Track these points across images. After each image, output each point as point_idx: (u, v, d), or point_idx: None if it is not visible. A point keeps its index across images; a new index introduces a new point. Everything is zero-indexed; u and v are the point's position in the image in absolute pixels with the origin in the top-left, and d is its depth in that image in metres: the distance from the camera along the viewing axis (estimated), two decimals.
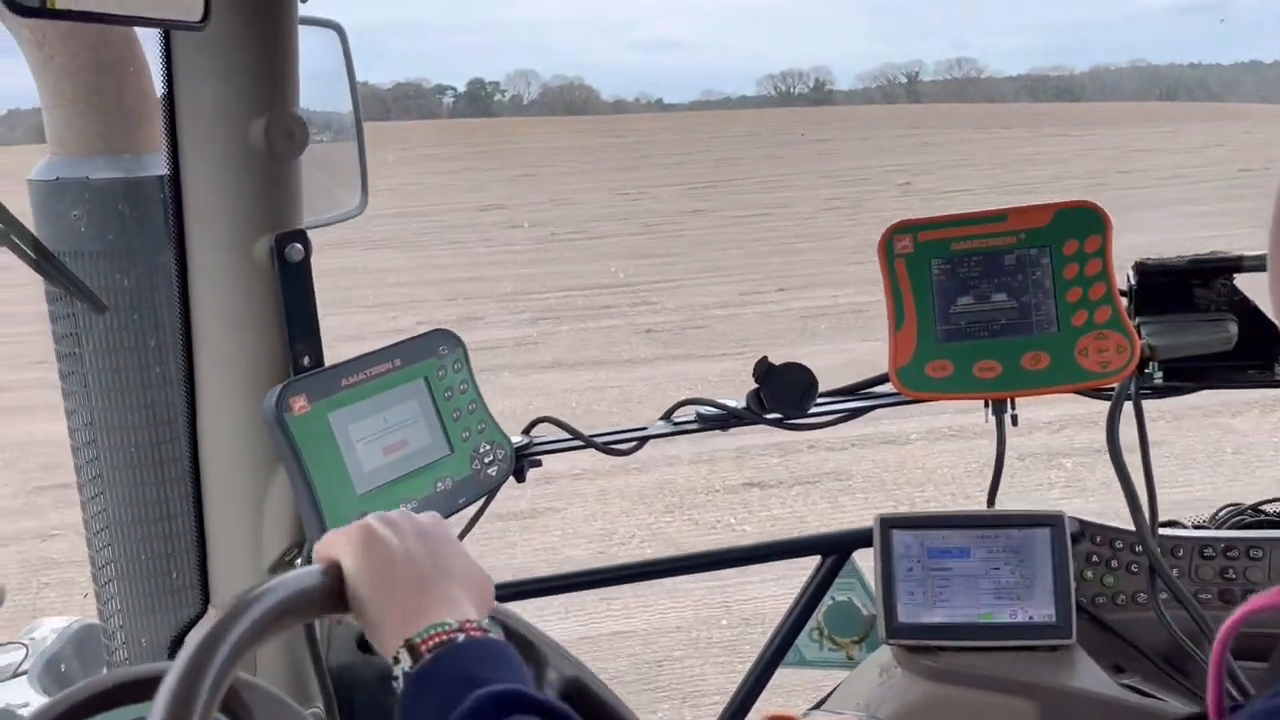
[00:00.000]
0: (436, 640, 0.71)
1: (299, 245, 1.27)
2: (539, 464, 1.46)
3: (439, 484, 1.31)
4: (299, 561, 1.31)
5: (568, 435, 1.45)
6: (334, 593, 0.76)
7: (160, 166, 1.38)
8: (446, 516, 1.33)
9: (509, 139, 28.22)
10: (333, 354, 1.31)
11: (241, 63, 1.19)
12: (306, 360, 1.30)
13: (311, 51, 1.36)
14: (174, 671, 0.66)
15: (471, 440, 1.35)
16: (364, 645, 1.40)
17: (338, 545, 0.79)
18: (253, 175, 1.24)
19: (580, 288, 10.61)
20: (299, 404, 1.21)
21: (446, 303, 10.39)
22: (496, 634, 0.73)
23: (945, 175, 17.74)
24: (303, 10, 1.25)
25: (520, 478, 1.42)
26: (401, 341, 1.32)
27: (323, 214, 1.50)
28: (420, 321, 9.06)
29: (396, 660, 0.71)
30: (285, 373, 1.29)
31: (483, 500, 1.39)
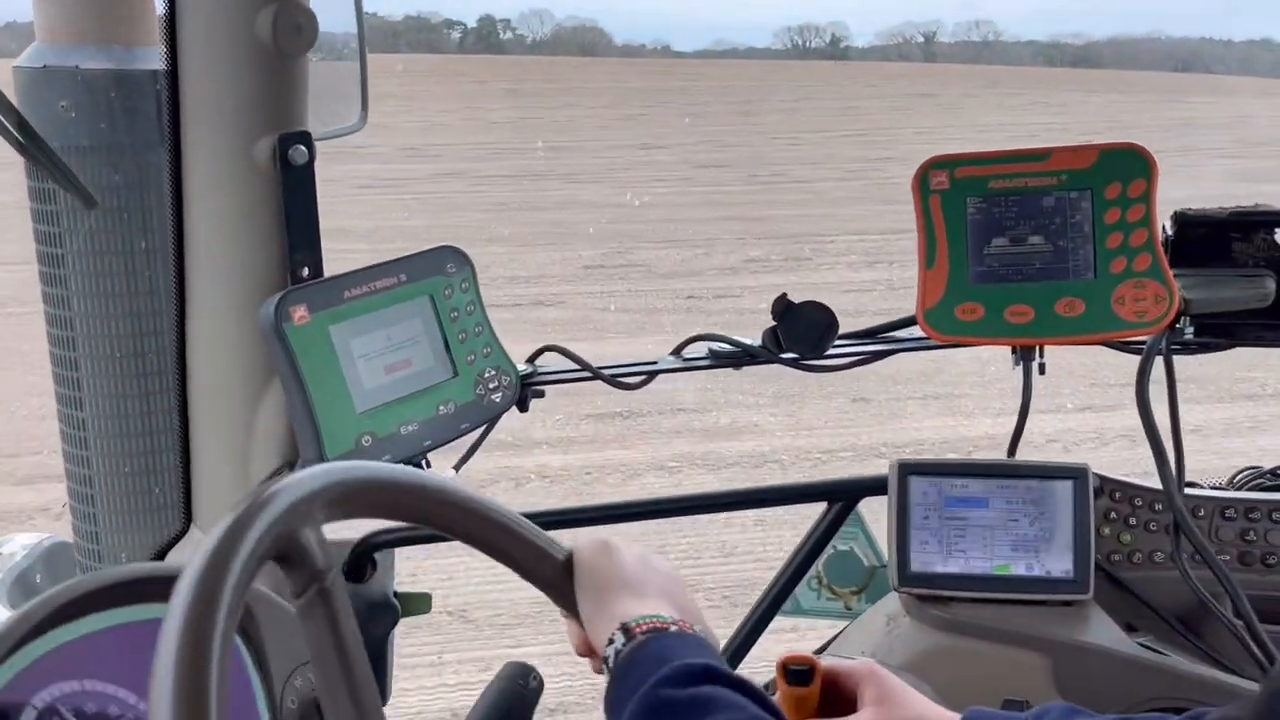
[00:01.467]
0: (650, 626, 0.77)
1: (303, 148, 1.20)
2: (542, 394, 1.40)
3: (441, 407, 1.25)
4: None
5: (574, 366, 1.39)
6: (564, 580, 0.84)
7: (155, 61, 1.30)
8: (446, 441, 1.29)
9: (570, 78, 27.53)
10: None
11: None
12: (306, 272, 1.23)
13: None
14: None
15: (476, 364, 1.29)
16: (350, 574, 1.35)
17: (582, 545, 0.86)
18: (256, 71, 1.16)
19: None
20: (299, 314, 1.14)
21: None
22: (706, 635, 0.80)
23: None
24: None
25: (523, 407, 1.37)
26: (408, 256, 1.26)
27: (320, 127, 1.43)
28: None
29: (610, 641, 0.78)
30: (283, 283, 1.22)
31: (484, 427, 1.34)
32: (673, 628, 0.78)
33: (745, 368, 1.43)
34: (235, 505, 0.64)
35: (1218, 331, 1.30)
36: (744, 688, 0.73)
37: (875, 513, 1.41)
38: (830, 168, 14.28)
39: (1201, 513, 1.28)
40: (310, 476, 0.67)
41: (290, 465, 1.27)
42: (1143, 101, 22.80)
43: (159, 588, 0.78)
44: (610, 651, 0.77)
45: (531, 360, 1.40)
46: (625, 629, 0.78)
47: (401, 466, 0.77)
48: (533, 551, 0.82)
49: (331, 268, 1.26)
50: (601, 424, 5.47)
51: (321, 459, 1.14)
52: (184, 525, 1.33)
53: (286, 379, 1.15)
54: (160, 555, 1.33)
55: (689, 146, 15.76)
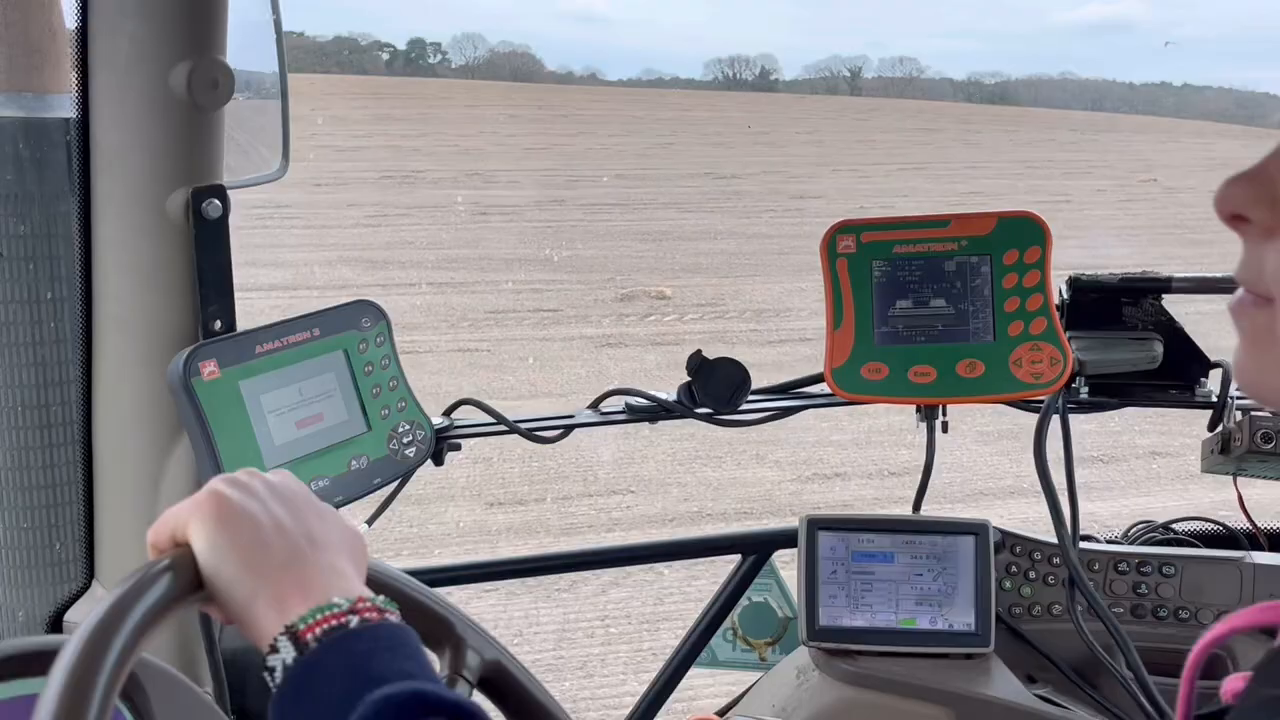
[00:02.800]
0: (325, 625, 0.59)
1: (217, 201, 1.20)
2: (458, 447, 1.40)
3: (353, 462, 1.25)
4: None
5: (490, 419, 1.40)
6: (190, 585, 0.63)
7: (65, 109, 1.29)
8: (359, 497, 1.28)
9: (571, 105, 27.58)
10: None
11: (165, 2, 1.11)
12: (219, 324, 1.22)
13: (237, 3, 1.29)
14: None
15: (390, 419, 1.29)
16: None
17: (185, 521, 0.65)
18: (170, 124, 1.16)
19: None
20: (208, 369, 1.13)
21: None
22: (393, 613, 0.61)
23: None
24: None
25: (439, 461, 1.37)
26: (322, 310, 1.25)
27: (240, 174, 1.43)
28: None
29: (274, 649, 0.59)
30: (194, 336, 1.21)
31: (397, 482, 1.33)
32: (353, 620, 0.59)
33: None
34: (123, 579, 0.64)
35: (1111, 392, 1.35)
36: (467, 717, 0.57)
37: (790, 563, 1.44)
38: None
39: (1097, 566, 1.33)
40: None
41: None
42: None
43: (45, 662, 0.77)
44: (277, 664, 0.59)
45: (447, 413, 1.41)
46: (293, 635, 0.59)
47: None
48: (151, 605, 0.61)
49: None
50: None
51: None
52: (85, 581, 1.30)
53: (194, 434, 1.14)
54: (60, 612, 1.30)
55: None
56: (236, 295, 1.24)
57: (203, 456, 1.14)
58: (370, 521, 1.36)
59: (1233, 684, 0.52)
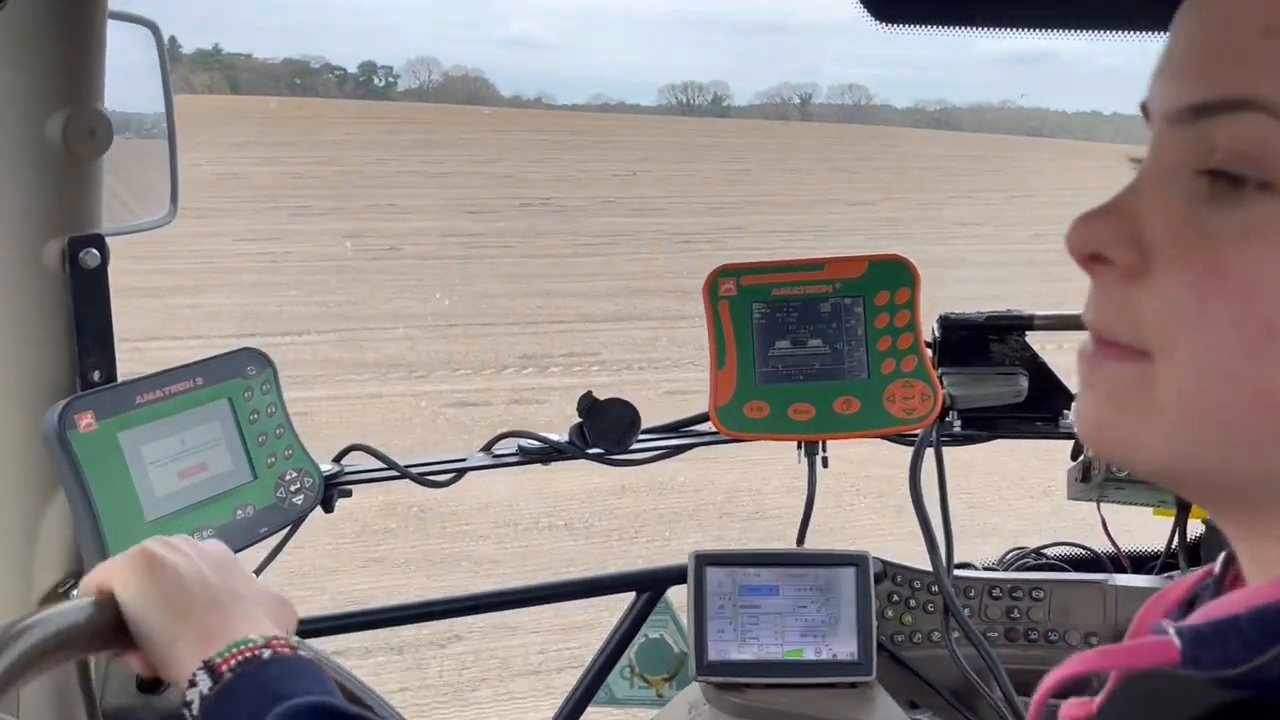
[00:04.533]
0: (240, 657, 0.64)
1: (95, 251, 1.19)
2: (349, 494, 1.40)
3: (239, 511, 1.24)
4: (75, 593, 1.21)
5: (381, 465, 1.40)
6: (109, 625, 0.68)
7: None
8: (245, 546, 1.27)
9: (617, 132, 27.21)
10: None
11: (41, 49, 1.10)
12: (98, 376, 1.21)
13: (123, 48, 1.28)
14: None
15: (277, 466, 1.28)
16: (145, 686, 1.30)
17: (112, 573, 0.71)
18: (46, 174, 1.15)
19: None
20: (85, 421, 1.12)
21: None
22: (306, 650, 0.67)
23: None
24: (113, 5, 1.17)
25: (328, 508, 1.36)
26: (206, 359, 1.25)
27: (126, 220, 1.41)
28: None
29: (192, 684, 0.64)
30: (72, 388, 1.19)
31: (286, 530, 1.32)
32: (266, 652, 0.65)
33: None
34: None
35: (981, 425, 1.42)
36: None
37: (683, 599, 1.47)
38: None
39: (972, 593, 1.39)
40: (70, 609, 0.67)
41: (77, 576, 1.22)
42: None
43: None
44: (194, 696, 0.64)
45: (338, 459, 1.40)
46: (210, 669, 0.64)
47: None
48: (59, 630, 0.66)
49: None
50: None
51: None
52: None
53: (70, 488, 1.12)
54: None
55: None
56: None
57: (79, 511, 1.12)
58: (259, 571, 1.35)
59: (1069, 710, 0.54)
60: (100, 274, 1.20)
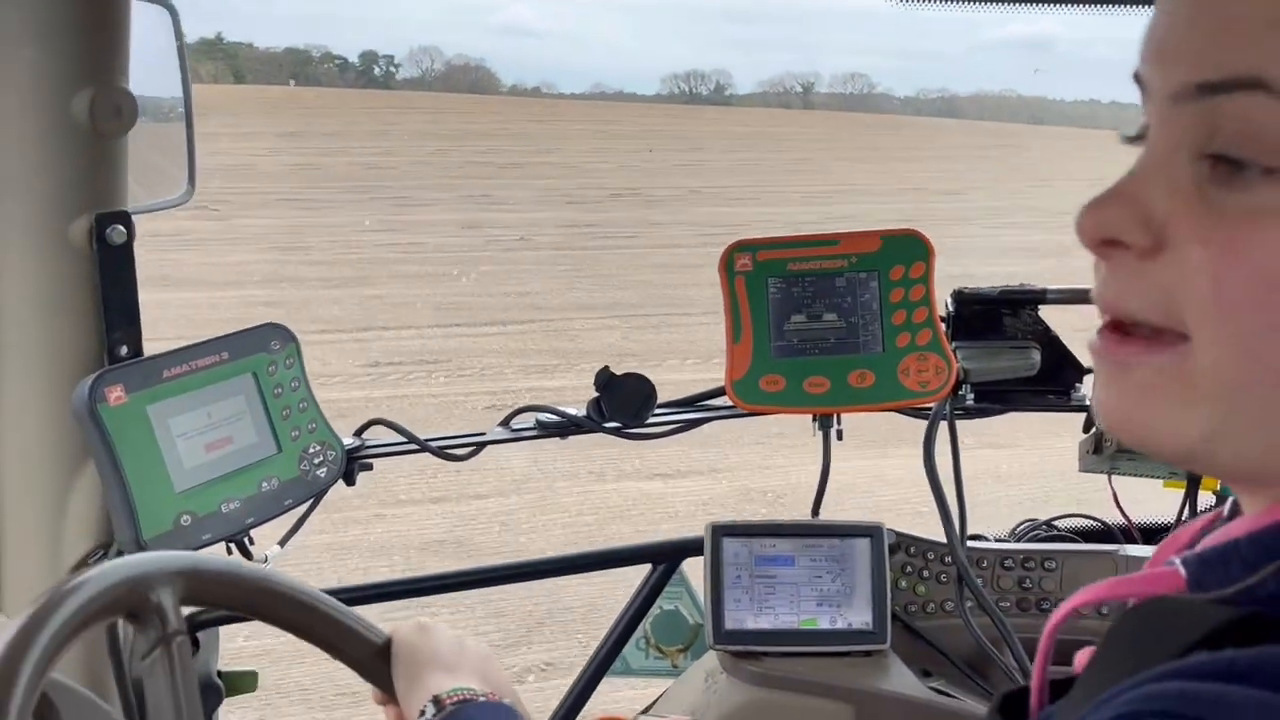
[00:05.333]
0: (460, 698, 0.82)
1: (121, 227, 1.21)
2: (370, 467, 1.42)
3: (264, 484, 1.26)
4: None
5: (402, 438, 1.42)
6: (383, 655, 0.89)
7: None
8: (270, 518, 1.29)
9: (677, 121, 27.09)
10: None
11: (67, 28, 1.12)
12: (124, 350, 1.23)
13: (142, 30, 1.29)
14: None
15: (301, 440, 1.30)
16: None
17: (397, 627, 0.91)
18: (73, 151, 1.17)
19: None
20: (115, 394, 1.14)
21: None
22: (518, 708, 0.85)
23: None
24: None
25: (350, 481, 1.38)
26: (230, 334, 1.27)
27: (146, 200, 1.43)
28: None
29: (422, 714, 0.82)
30: (100, 363, 1.21)
31: (310, 502, 1.34)
32: (481, 698, 0.83)
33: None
34: (35, 598, 0.65)
35: (994, 398, 1.43)
36: None
37: (699, 571, 1.49)
38: None
39: (985, 564, 1.40)
40: (135, 562, 0.69)
41: (105, 548, 1.25)
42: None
43: None
44: None
45: (358, 433, 1.42)
46: (436, 700, 0.82)
47: (241, 561, 0.82)
48: (352, 637, 0.87)
49: None
50: None
51: (137, 541, 1.13)
52: None
53: (101, 461, 1.14)
54: None
55: None
56: None
57: (110, 482, 1.14)
58: (283, 542, 1.37)
59: (1082, 656, 0.56)
60: (126, 250, 1.22)
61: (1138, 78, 0.47)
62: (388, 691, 0.89)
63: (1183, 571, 0.47)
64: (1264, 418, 0.43)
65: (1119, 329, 0.46)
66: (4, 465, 1.23)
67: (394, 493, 5.04)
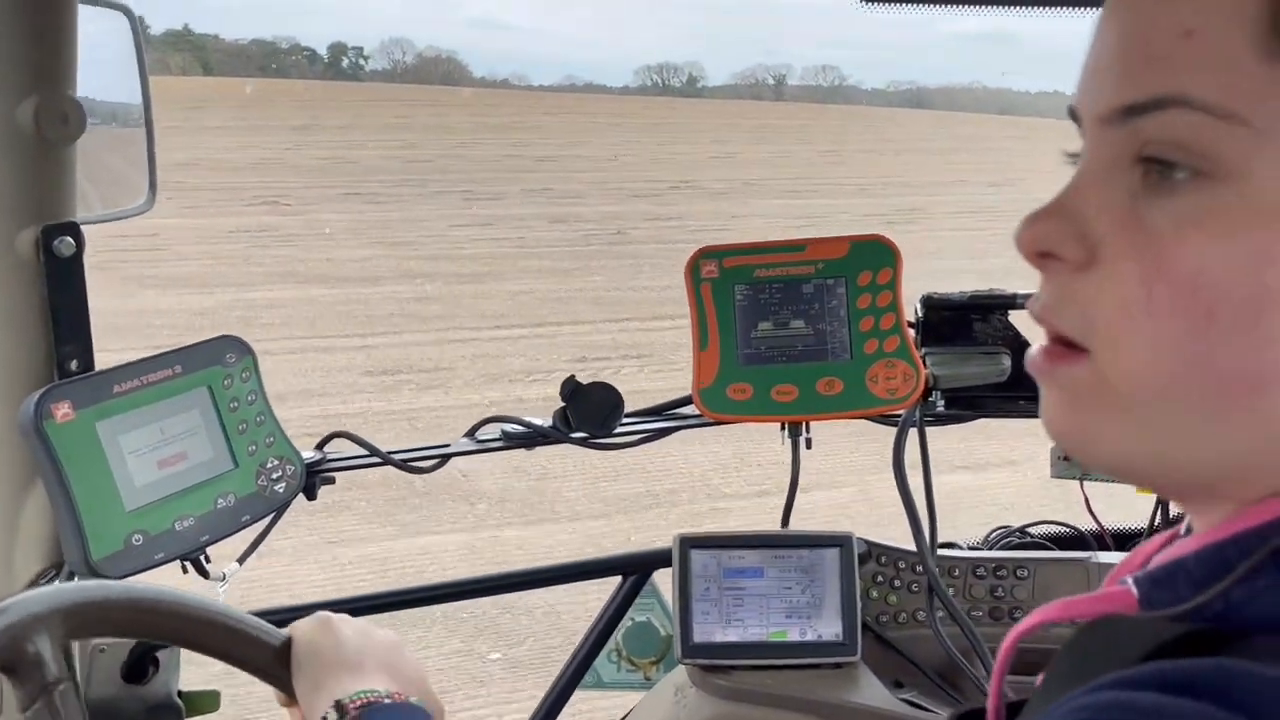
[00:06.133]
0: (364, 702, 0.78)
1: (70, 239, 1.18)
2: (332, 480, 1.39)
3: (220, 500, 1.23)
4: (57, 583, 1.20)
5: (364, 451, 1.39)
6: (283, 657, 0.84)
7: None
8: (227, 535, 1.26)
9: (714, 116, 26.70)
10: None
11: (9, 35, 1.09)
12: (74, 365, 1.20)
13: (100, 35, 1.27)
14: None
15: (258, 454, 1.27)
16: (129, 675, 1.30)
17: (297, 625, 0.87)
18: (18, 161, 1.14)
19: None
20: (62, 411, 1.11)
21: None
22: (429, 706, 0.81)
23: None
24: None
25: (311, 495, 1.36)
26: (184, 347, 1.24)
27: (104, 208, 1.40)
28: None
29: (324, 718, 0.78)
30: (49, 378, 1.18)
31: (270, 518, 1.32)
32: (386, 700, 0.79)
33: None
34: None
35: (965, 404, 1.42)
36: None
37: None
38: None
39: (957, 572, 1.39)
40: (32, 599, 0.66)
41: (57, 568, 1.22)
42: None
43: None
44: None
45: (320, 447, 1.40)
46: (339, 706, 0.78)
47: (112, 583, 0.78)
48: (248, 641, 0.83)
49: None
50: None
51: (86, 561, 1.11)
52: None
53: (49, 479, 1.11)
54: None
55: None
56: None
57: (58, 502, 1.11)
58: (242, 560, 1.34)
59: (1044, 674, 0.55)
60: (76, 262, 1.19)
61: (1071, 110, 0.48)
62: (291, 695, 0.85)
63: (1134, 591, 0.48)
64: (1193, 429, 0.44)
65: (1051, 337, 0.48)
66: None
67: (716, 486, 5.23)
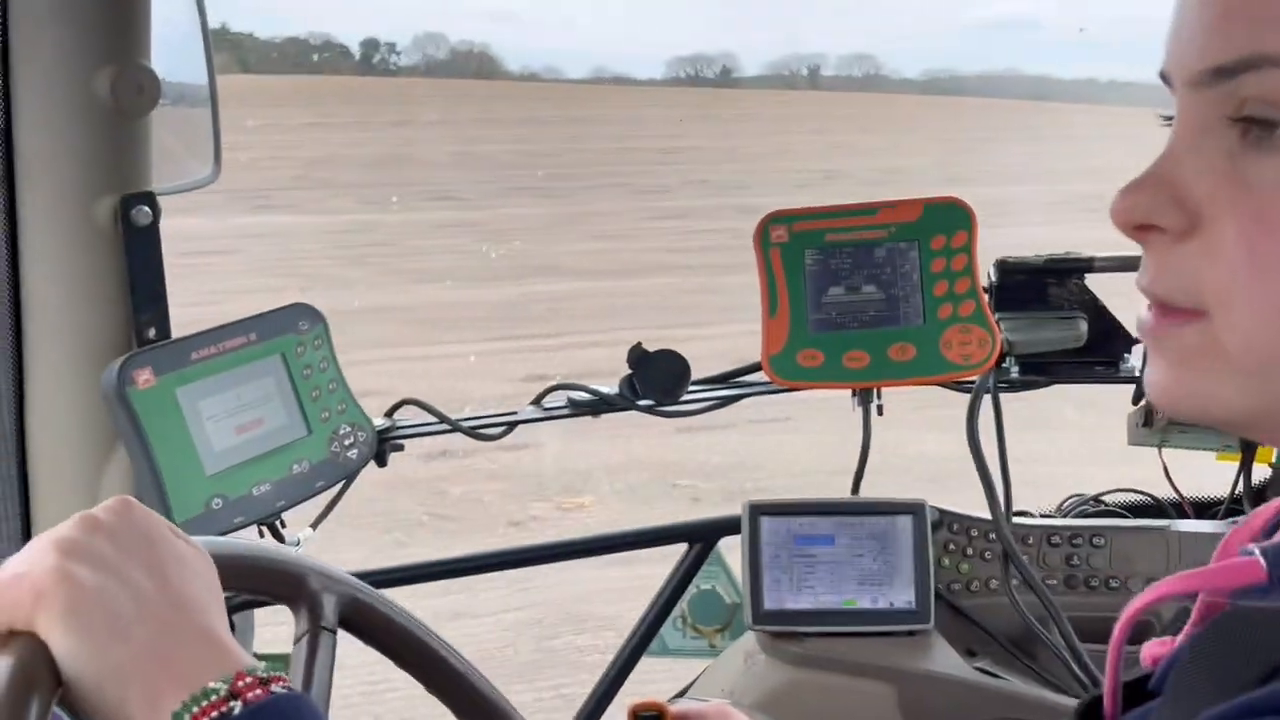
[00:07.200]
0: (206, 718, 0.51)
1: (147, 208, 1.19)
2: (401, 448, 1.40)
3: (295, 466, 1.24)
4: None
5: (433, 419, 1.40)
6: (45, 683, 0.52)
7: None
8: (302, 501, 1.28)
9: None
10: None
11: (87, 7, 1.10)
12: (152, 332, 1.22)
13: (165, 12, 1.28)
14: None
15: (331, 421, 1.29)
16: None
17: (27, 612, 0.53)
18: (96, 131, 1.15)
19: None
20: (143, 377, 1.12)
21: None
22: (279, 679, 0.53)
23: None
24: None
25: (381, 462, 1.37)
26: (258, 315, 1.25)
27: (172, 181, 1.41)
28: None
29: None
30: (128, 345, 1.20)
31: (340, 485, 1.33)
32: (236, 706, 0.51)
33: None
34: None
35: (1040, 370, 1.39)
36: None
37: (736, 550, 1.46)
38: None
39: (1030, 540, 1.37)
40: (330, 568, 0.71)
41: None
42: None
43: None
44: None
45: (389, 414, 1.41)
46: None
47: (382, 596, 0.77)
48: None
49: None
50: None
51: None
52: None
53: (131, 443, 1.13)
54: None
55: None
56: None
57: (140, 466, 1.13)
58: (315, 525, 1.36)
59: (1152, 649, 0.54)
60: (152, 231, 1.20)
61: (1162, 74, 0.47)
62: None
63: (1263, 563, 0.46)
64: None
65: (1161, 307, 0.47)
66: (35, 449, 1.22)
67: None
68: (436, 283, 9.39)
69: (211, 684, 0.51)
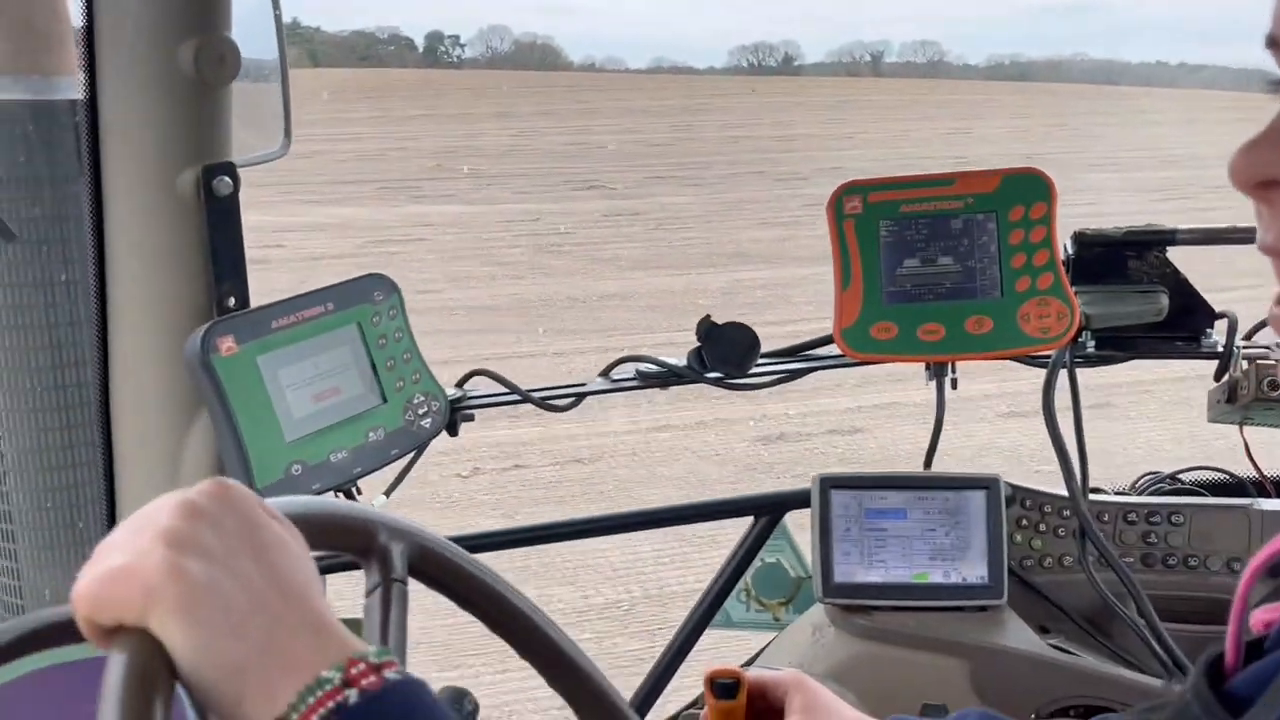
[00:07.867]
0: (321, 710, 0.49)
1: (227, 178, 1.21)
2: (471, 418, 1.42)
3: (371, 434, 1.26)
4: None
5: (503, 389, 1.41)
6: (168, 683, 0.51)
7: (74, 90, 1.29)
8: (377, 468, 1.30)
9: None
10: None
11: None
12: (232, 301, 1.24)
13: None
14: None
15: (405, 390, 1.30)
16: None
17: (140, 610, 0.51)
18: (179, 102, 1.17)
19: None
20: (226, 345, 1.14)
21: None
22: (391, 663, 0.52)
23: None
24: None
25: (453, 431, 1.38)
26: (335, 285, 1.26)
27: (244, 154, 1.43)
28: None
29: None
30: (209, 314, 1.22)
31: (413, 453, 1.35)
32: (351, 695, 0.50)
33: None
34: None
35: (1117, 345, 1.37)
36: None
37: (801, 524, 1.46)
38: None
39: (1106, 517, 1.35)
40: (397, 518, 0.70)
41: None
42: None
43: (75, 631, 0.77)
44: None
45: (460, 384, 1.42)
46: None
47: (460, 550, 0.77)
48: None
49: None
50: None
51: (251, 489, 1.14)
52: None
53: (214, 410, 1.15)
54: None
55: None
56: None
57: (224, 431, 1.15)
58: (389, 492, 1.38)
59: (1262, 615, 0.53)
60: (232, 201, 1.22)
61: (1270, 38, 0.46)
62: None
63: None
64: None
65: None
66: (120, 415, 1.25)
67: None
68: (645, 270, 9.38)
69: (325, 673, 0.50)
